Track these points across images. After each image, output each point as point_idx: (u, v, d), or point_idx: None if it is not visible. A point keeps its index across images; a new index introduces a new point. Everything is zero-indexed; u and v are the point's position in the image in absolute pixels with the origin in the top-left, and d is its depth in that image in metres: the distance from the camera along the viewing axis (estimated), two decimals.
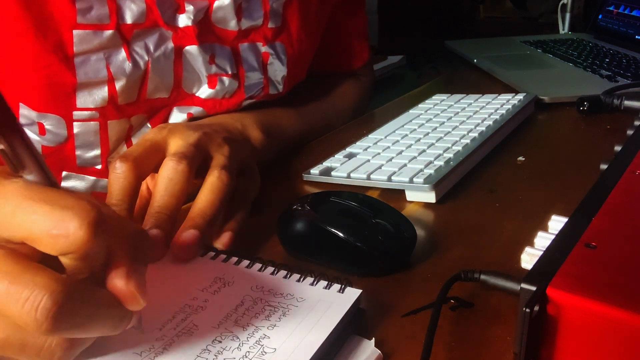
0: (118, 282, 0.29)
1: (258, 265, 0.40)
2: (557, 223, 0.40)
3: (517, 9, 2.73)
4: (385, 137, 0.67)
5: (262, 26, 0.65)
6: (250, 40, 0.65)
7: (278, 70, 0.67)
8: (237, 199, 0.49)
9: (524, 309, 0.30)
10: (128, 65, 0.57)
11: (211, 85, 0.62)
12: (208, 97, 0.63)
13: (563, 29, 1.43)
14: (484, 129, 0.67)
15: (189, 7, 0.59)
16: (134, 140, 0.63)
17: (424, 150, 0.62)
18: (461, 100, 0.81)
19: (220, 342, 0.33)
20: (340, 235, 0.43)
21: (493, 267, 0.39)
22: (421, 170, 0.56)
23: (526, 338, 0.30)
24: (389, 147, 0.64)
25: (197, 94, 0.63)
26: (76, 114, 0.59)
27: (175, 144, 0.47)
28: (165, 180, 0.44)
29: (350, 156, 0.63)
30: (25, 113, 0.58)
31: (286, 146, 0.69)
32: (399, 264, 0.44)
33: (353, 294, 0.37)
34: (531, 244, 0.40)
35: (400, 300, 0.40)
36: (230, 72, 0.63)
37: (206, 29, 0.61)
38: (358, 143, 0.67)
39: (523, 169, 0.63)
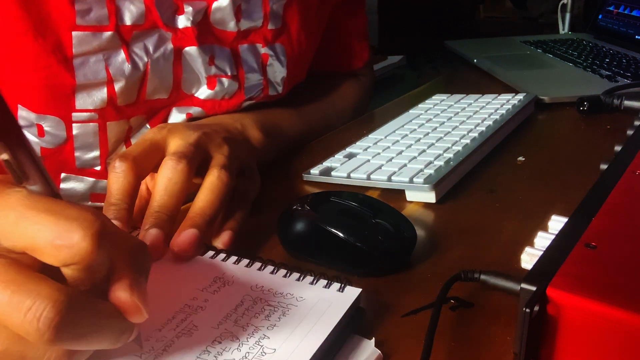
0: (122, 294, 0.28)
1: (257, 265, 0.40)
2: (557, 223, 0.40)
3: (517, 9, 2.73)
4: (385, 137, 0.67)
5: (262, 27, 0.65)
6: (250, 42, 0.64)
7: (278, 71, 0.67)
8: (237, 198, 0.49)
9: (524, 309, 0.30)
10: (127, 67, 0.57)
11: (210, 86, 0.62)
12: (207, 98, 0.63)
13: (563, 29, 1.43)
14: (484, 129, 0.67)
15: (188, 8, 0.59)
16: (133, 142, 0.62)
17: (424, 150, 0.62)
18: (461, 100, 0.81)
19: (220, 342, 0.33)
20: (340, 235, 0.43)
21: (493, 267, 0.39)
22: (421, 170, 0.56)
23: (526, 338, 0.30)
24: (389, 147, 0.64)
25: (196, 95, 0.62)
26: (75, 115, 0.58)
27: (175, 144, 0.47)
28: (164, 180, 0.44)
29: (350, 156, 0.63)
30: (24, 115, 0.58)
31: (286, 146, 0.69)
32: (399, 264, 0.44)
33: (353, 293, 0.37)
34: (531, 244, 0.40)
35: (400, 300, 0.40)
36: (229, 74, 0.63)
37: (205, 30, 0.61)
38: (358, 143, 0.67)
39: (523, 169, 0.63)
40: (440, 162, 0.57)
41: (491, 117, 0.71)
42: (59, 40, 0.55)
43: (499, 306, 0.39)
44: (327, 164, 0.62)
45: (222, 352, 0.32)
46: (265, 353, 0.32)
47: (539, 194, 0.57)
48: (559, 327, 0.31)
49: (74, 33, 0.55)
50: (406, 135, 0.68)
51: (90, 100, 0.58)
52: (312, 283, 0.38)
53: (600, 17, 1.27)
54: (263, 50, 0.65)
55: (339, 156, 0.63)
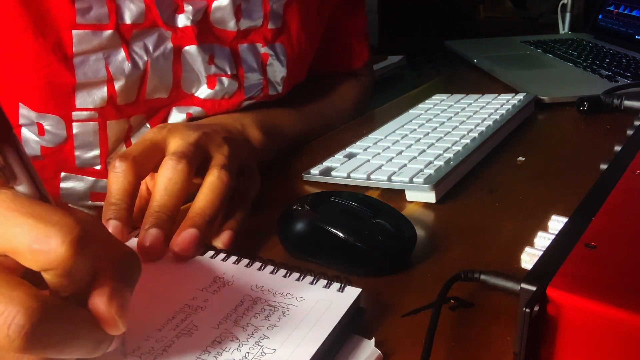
0: (99, 303, 0.27)
1: (257, 265, 0.40)
2: (557, 223, 0.40)
3: (517, 9, 2.73)
4: (385, 137, 0.67)
5: (262, 27, 0.65)
6: (250, 41, 0.64)
7: (277, 71, 0.67)
8: (237, 198, 0.49)
9: (524, 309, 0.30)
10: (127, 66, 0.57)
11: (210, 85, 0.62)
12: (207, 98, 0.63)
13: (563, 29, 1.43)
14: (484, 129, 0.67)
15: (188, 7, 0.59)
16: (133, 141, 0.62)
17: (424, 150, 0.62)
18: (461, 100, 0.81)
19: (220, 342, 0.33)
20: (340, 235, 0.43)
21: (493, 267, 0.39)
22: (421, 170, 0.56)
23: (526, 338, 0.30)
24: (389, 147, 0.64)
25: (196, 94, 0.62)
26: (75, 114, 0.59)
27: (175, 144, 0.47)
28: (164, 180, 0.44)
29: (350, 156, 0.63)
30: (25, 113, 0.58)
31: (286, 146, 0.69)
32: (399, 264, 0.44)
33: (353, 292, 0.37)
34: (531, 244, 0.39)
35: (400, 300, 0.40)
36: (229, 73, 0.63)
37: (205, 29, 0.61)
38: (358, 143, 0.67)
39: (523, 169, 0.63)
40: (440, 162, 0.57)
41: (491, 117, 0.71)
42: (59, 38, 0.55)
43: (499, 306, 0.39)
44: (327, 164, 0.62)
45: (222, 352, 0.32)
46: (265, 353, 0.32)
47: (539, 194, 0.57)
48: (559, 327, 0.31)
49: (74, 32, 0.55)
50: (406, 135, 0.68)
51: (90, 99, 0.58)
52: (312, 283, 0.38)
53: (600, 17, 1.27)
54: (263, 49, 0.65)
55: (339, 156, 0.63)
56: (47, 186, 0.64)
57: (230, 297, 0.37)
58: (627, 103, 0.77)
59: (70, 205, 0.66)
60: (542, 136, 0.75)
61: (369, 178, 0.57)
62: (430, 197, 0.54)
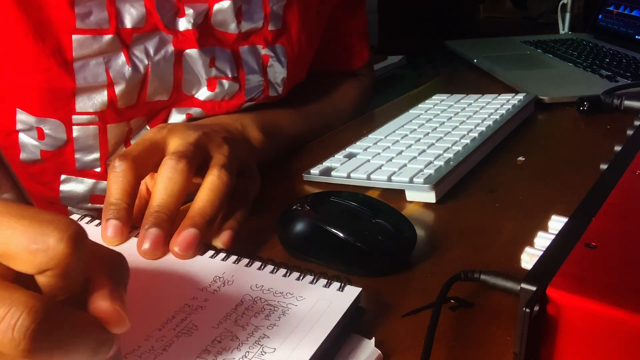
0: (102, 303, 0.27)
1: (257, 264, 0.40)
2: (557, 223, 0.40)
3: (517, 9, 2.72)
4: (385, 137, 0.67)
5: (262, 29, 0.65)
6: (250, 43, 0.64)
7: (278, 72, 0.67)
8: (237, 198, 0.49)
9: (524, 309, 0.30)
10: (128, 70, 0.57)
11: (210, 87, 0.62)
12: (207, 99, 0.63)
13: (563, 29, 1.43)
14: (484, 129, 0.67)
15: (189, 11, 0.59)
16: (133, 142, 0.62)
17: (424, 150, 0.62)
18: (461, 101, 0.81)
19: (219, 342, 0.33)
20: (340, 235, 0.43)
21: (493, 267, 0.39)
22: (421, 170, 0.56)
23: (526, 338, 0.30)
24: (389, 147, 0.64)
25: (196, 96, 0.62)
26: (75, 118, 0.58)
27: (175, 143, 0.47)
28: (164, 180, 0.44)
29: (350, 156, 0.63)
30: (23, 118, 0.58)
31: (286, 146, 0.69)
32: (399, 264, 0.44)
33: (353, 292, 0.37)
34: (531, 244, 0.39)
35: (400, 300, 0.40)
36: (230, 75, 0.63)
37: (206, 32, 0.61)
38: (358, 143, 0.67)
39: (523, 169, 0.63)
40: (440, 162, 0.57)
41: (491, 117, 0.71)
42: (58, 43, 0.54)
43: (499, 306, 0.39)
44: (327, 164, 0.62)
45: (222, 351, 0.32)
46: (265, 352, 0.32)
47: (539, 194, 0.57)
48: (559, 327, 0.31)
49: (74, 36, 0.54)
50: (406, 135, 0.68)
51: (90, 103, 0.57)
52: (312, 282, 0.38)
53: (600, 17, 1.27)
54: (263, 51, 0.65)
55: (339, 156, 0.63)
56: (47, 189, 0.64)
57: (230, 296, 0.37)
58: (627, 103, 0.77)
59: (70, 208, 0.66)
60: (542, 136, 0.75)
61: (369, 178, 0.57)
62: (430, 197, 0.54)
